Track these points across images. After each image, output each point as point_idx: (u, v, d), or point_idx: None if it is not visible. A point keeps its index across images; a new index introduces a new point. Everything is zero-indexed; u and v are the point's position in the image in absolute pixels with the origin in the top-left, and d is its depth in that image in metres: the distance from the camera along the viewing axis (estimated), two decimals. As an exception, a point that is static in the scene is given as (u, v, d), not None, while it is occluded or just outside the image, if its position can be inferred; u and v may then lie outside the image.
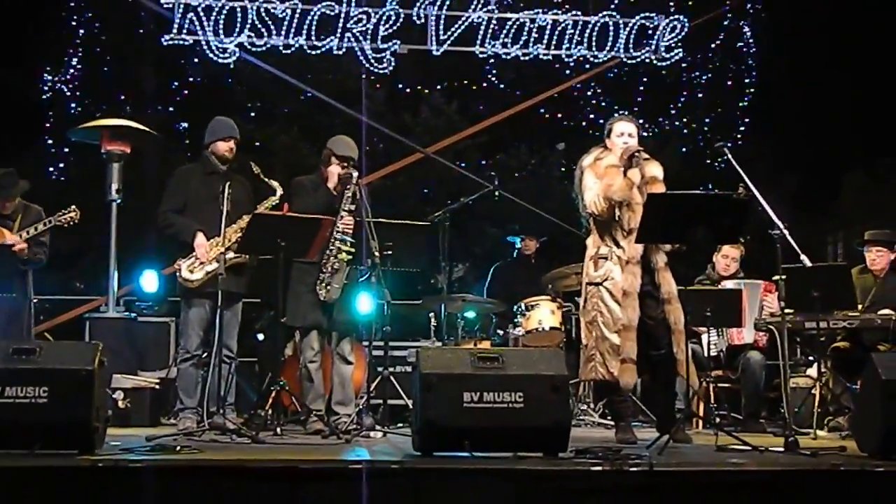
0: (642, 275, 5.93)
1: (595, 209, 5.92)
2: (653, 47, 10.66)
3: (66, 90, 11.34)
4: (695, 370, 6.07)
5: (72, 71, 11.29)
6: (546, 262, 9.14)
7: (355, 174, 6.48)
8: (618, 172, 5.94)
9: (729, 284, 7.54)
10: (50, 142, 11.67)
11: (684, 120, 12.18)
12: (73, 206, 6.79)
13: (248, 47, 10.13)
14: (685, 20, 10.59)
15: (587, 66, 10.86)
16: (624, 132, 6.08)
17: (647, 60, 10.74)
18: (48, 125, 11.57)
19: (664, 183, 6.05)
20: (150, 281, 8.68)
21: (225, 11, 9.93)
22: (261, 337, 8.59)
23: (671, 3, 11.04)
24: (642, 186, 5.93)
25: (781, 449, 5.33)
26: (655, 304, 5.97)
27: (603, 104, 12.46)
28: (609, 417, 7.19)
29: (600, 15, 10.51)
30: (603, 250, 5.99)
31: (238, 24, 10.02)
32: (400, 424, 6.85)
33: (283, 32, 10.14)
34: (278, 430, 5.94)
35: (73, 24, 11.05)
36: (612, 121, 6.24)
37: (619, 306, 5.88)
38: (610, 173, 5.94)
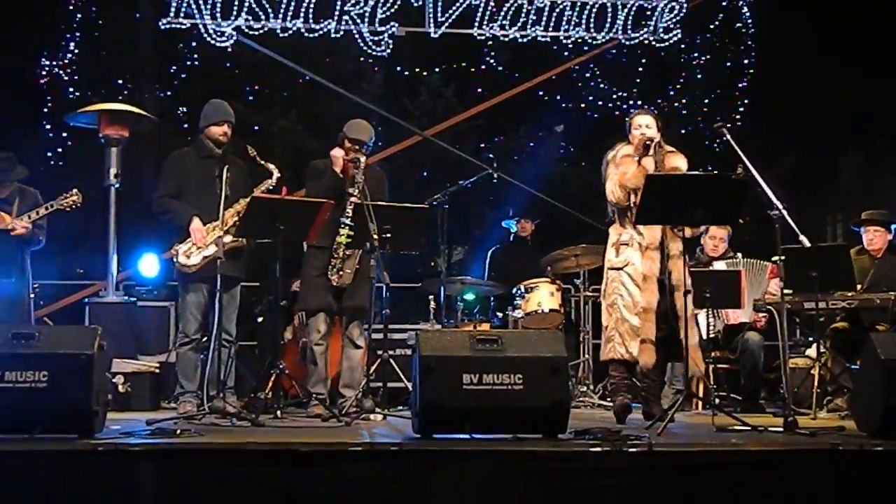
0: (660, 260, 6.10)
1: (613, 197, 6.18)
2: (651, 28, 10.64)
3: (63, 75, 11.30)
4: (700, 357, 6.16)
5: (69, 55, 11.24)
6: (543, 243, 9.13)
7: (363, 159, 6.48)
8: (632, 161, 6.17)
9: (720, 265, 7.54)
10: (48, 126, 11.64)
11: (683, 101, 12.16)
12: (76, 189, 6.80)
13: (246, 31, 10.09)
14: (683, 1, 10.56)
15: (585, 47, 10.83)
16: (642, 124, 6.31)
17: (646, 42, 10.72)
18: (46, 110, 11.54)
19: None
20: (149, 265, 8.68)
21: (221, -6, 9.92)
22: (261, 321, 8.60)
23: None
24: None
25: (780, 429, 5.35)
26: (666, 290, 6.11)
27: (602, 86, 12.43)
28: (608, 399, 7.21)
29: (598, -4, 10.49)
30: (624, 237, 6.19)
31: (235, 8, 9.98)
32: (400, 407, 6.86)
33: (280, 15, 10.10)
34: (278, 413, 5.96)
35: (70, 7, 11.00)
36: (631, 115, 6.48)
37: (639, 290, 6.08)
38: (624, 162, 6.19)
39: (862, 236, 7.52)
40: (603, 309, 6.38)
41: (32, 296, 7.22)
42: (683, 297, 5.95)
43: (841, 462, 4.52)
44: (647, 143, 6.16)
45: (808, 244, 6.78)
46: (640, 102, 11.70)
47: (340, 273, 6.44)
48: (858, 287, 7.13)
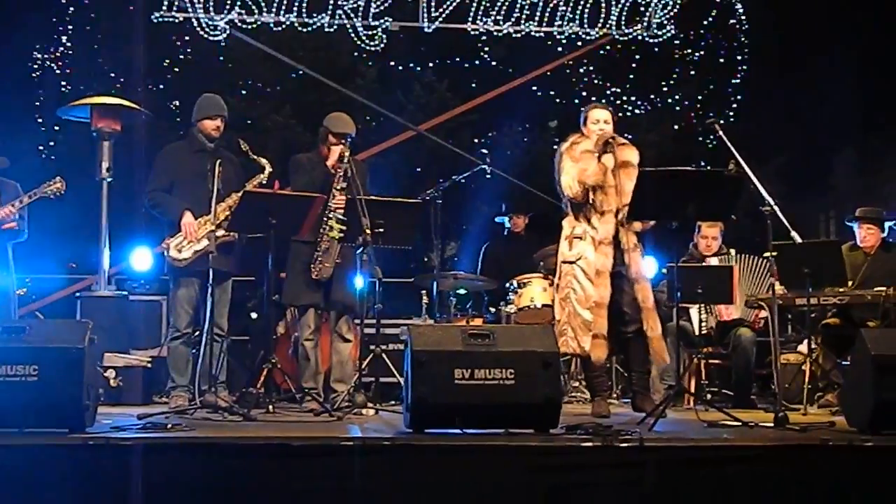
0: (614, 255, 6.17)
1: (570, 192, 6.22)
2: (644, 24, 10.66)
3: (55, 68, 11.26)
4: (664, 348, 6.21)
5: (61, 48, 11.20)
6: (537, 237, 9.12)
7: (346, 152, 6.48)
8: (592, 157, 6.21)
9: (713, 262, 7.55)
10: (40, 120, 11.60)
11: (676, 97, 12.14)
12: (59, 177, 6.78)
13: (239, 24, 10.08)
14: (676, -3, 10.61)
15: (579, 43, 10.85)
16: (599, 119, 6.34)
17: (639, 37, 10.74)
18: (38, 103, 11.50)
19: (639, 168, 6.21)
20: (141, 259, 8.67)
21: (215, -13, 9.93)
22: (254, 316, 8.59)
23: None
24: (616, 171, 6.19)
25: (771, 424, 5.36)
26: (627, 284, 6.21)
27: (595, 81, 12.42)
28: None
29: (592, -9, 10.52)
30: (578, 230, 6.26)
31: (228, 1, 9.98)
32: (392, 402, 6.87)
33: (273, 9, 10.10)
34: (270, 407, 5.97)
35: (63, 0, 10.97)
36: (587, 108, 6.51)
37: (592, 284, 6.14)
38: (585, 158, 6.22)
39: (855, 232, 7.54)
40: (555, 302, 6.42)
41: (24, 291, 7.20)
42: (644, 289, 6.12)
43: (831, 457, 4.53)
44: (610, 140, 6.20)
45: (799, 240, 6.80)
46: (633, 98, 11.70)
47: (321, 266, 6.43)
48: (850, 283, 7.15)
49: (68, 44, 11.12)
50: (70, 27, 11.11)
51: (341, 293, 6.55)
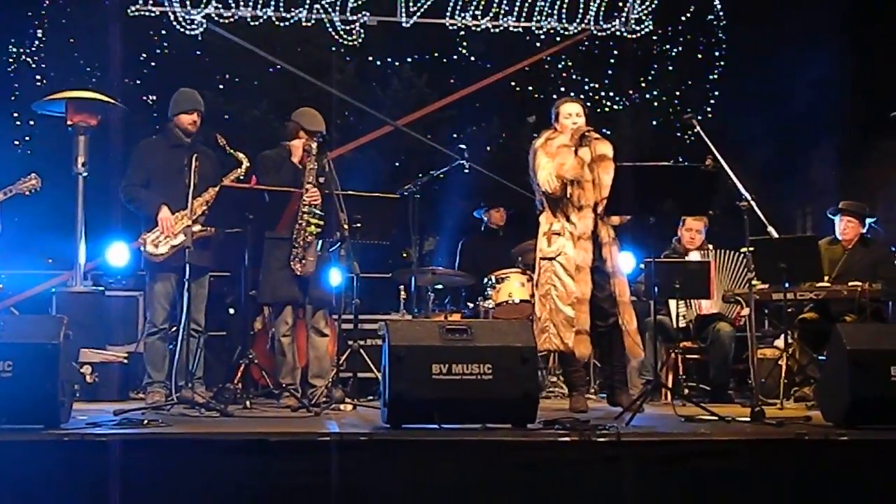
0: (592, 249, 6.17)
1: (548, 188, 6.17)
2: (623, 20, 10.70)
3: (30, 62, 11.17)
4: (639, 342, 6.27)
5: (36, 42, 11.11)
6: (515, 233, 9.11)
7: (314, 146, 6.47)
8: (569, 152, 6.19)
9: (695, 256, 7.58)
10: (15, 115, 11.50)
11: (654, 93, 12.16)
12: (34, 174, 6.75)
13: (216, 19, 10.04)
14: (655, -8, 10.65)
15: (557, 38, 10.87)
16: (571, 113, 6.33)
17: (618, 33, 10.77)
18: (13, 98, 11.40)
19: (614, 161, 6.23)
20: (118, 254, 8.62)
21: (191, -19, 9.89)
22: (232, 311, 8.56)
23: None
24: (593, 164, 6.19)
25: (748, 419, 5.39)
26: (604, 278, 6.21)
27: (574, 77, 12.43)
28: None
29: (570, -14, 10.55)
30: (556, 226, 6.24)
31: (205, -5, 9.94)
32: (370, 397, 6.86)
33: (250, 4, 10.07)
34: (247, 403, 5.95)
35: (38, -6, 10.90)
36: (558, 103, 6.49)
37: (573, 280, 6.12)
38: (562, 153, 6.20)
39: (836, 224, 7.57)
40: (536, 299, 6.42)
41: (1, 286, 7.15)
42: (621, 283, 6.16)
43: (807, 452, 4.56)
44: (586, 133, 6.20)
45: (776, 235, 6.83)
46: (611, 93, 11.71)
47: (303, 262, 6.41)
48: (827, 277, 7.18)
49: (43, 38, 11.03)
50: (45, 21, 11.01)
51: (317, 288, 6.53)
